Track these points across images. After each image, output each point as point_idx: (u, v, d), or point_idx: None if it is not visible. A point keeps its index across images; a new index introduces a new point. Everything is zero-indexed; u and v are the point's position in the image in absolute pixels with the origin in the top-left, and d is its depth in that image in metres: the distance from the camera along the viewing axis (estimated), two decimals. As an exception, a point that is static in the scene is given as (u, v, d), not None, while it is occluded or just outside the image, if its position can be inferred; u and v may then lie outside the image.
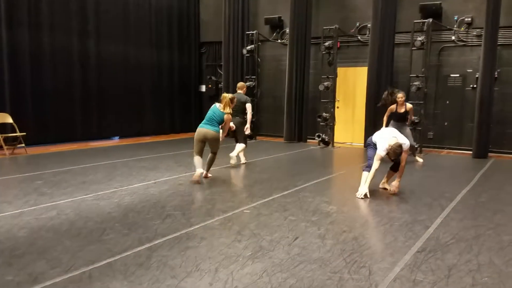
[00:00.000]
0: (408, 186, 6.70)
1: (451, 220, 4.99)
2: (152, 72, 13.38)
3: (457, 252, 4.01)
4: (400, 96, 8.72)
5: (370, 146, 6.21)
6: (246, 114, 8.42)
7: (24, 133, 9.31)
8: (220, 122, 6.96)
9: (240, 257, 3.79)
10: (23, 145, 9.24)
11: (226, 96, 7.04)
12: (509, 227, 4.77)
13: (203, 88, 14.92)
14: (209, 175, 7.19)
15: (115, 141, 12.12)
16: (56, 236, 4.24)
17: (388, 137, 5.95)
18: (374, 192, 6.19)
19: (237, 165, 8.23)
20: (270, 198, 5.84)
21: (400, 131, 6.63)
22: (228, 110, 6.95)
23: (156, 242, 4.14)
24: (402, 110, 8.81)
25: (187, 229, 4.53)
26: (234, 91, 13.06)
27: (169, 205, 5.42)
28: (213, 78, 14.54)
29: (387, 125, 8.60)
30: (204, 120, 6.98)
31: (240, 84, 8.95)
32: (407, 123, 9.05)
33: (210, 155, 7.06)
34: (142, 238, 4.24)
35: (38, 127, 10.37)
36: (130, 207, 5.31)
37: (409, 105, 8.93)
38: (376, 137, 6.13)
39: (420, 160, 9.29)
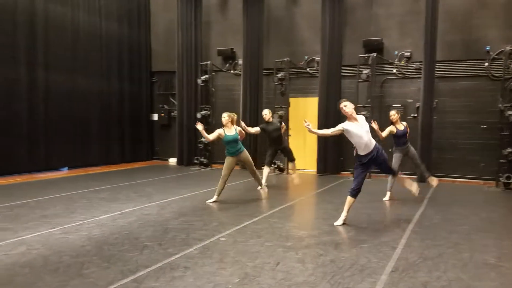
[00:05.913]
0: (364, 210, 7.10)
1: (414, 241, 5.37)
2: (102, 101, 13.07)
3: (426, 270, 4.35)
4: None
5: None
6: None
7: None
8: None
9: (229, 284, 3.87)
10: (-33, 178, 8.69)
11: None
12: (465, 245, 5.23)
13: (155, 116, 14.80)
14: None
15: (64, 172, 11.65)
16: (34, 272, 4.08)
17: None
18: (335, 217, 6.51)
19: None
20: (242, 225, 5.95)
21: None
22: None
23: (140, 273, 4.10)
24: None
25: (168, 259, 4.52)
26: (188, 119, 13.17)
27: (143, 236, 5.37)
28: (165, 106, 14.50)
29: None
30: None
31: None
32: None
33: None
34: (125, 270, 4.19)
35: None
36: (102, 240, 5.20)
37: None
38: None
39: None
